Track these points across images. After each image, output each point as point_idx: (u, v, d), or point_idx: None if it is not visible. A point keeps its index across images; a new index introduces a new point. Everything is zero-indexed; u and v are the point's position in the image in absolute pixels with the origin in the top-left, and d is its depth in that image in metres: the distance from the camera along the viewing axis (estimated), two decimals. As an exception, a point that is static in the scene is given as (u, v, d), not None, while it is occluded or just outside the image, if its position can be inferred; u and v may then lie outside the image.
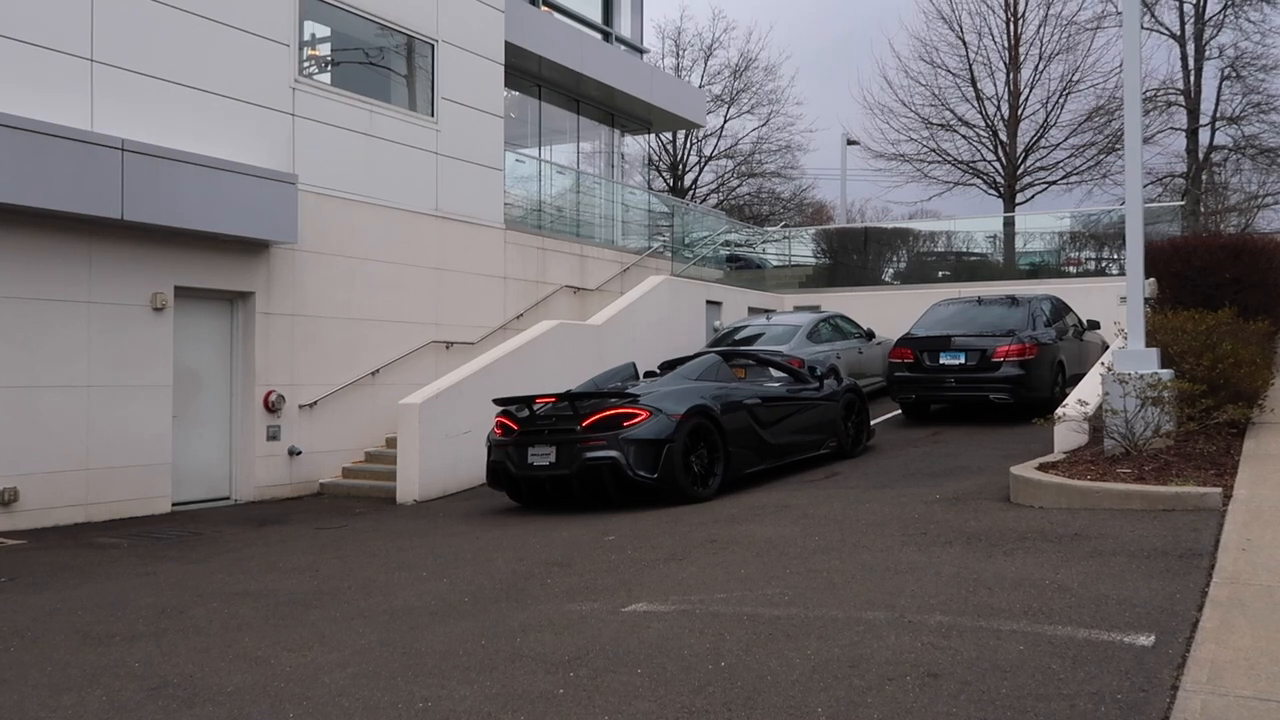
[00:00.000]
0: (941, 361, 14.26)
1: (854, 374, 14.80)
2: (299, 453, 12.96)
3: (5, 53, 10.19)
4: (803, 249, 26.86)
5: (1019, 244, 24.43)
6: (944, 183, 33.19)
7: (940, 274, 24.33)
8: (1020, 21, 31.16)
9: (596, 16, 22.18)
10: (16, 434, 10.23)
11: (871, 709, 3.93)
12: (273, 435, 12.74)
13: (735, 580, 6.31)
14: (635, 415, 9.78)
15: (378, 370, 14.05)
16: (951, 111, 32.15)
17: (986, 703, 3.91)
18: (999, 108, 31.76)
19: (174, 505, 11.65)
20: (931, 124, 32.42)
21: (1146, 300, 10.46)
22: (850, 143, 34.30)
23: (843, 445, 12.29)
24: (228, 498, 12.50)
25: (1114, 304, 16.28)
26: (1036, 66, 31.09)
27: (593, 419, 9.85)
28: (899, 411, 15.37)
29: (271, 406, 12.69)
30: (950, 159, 32.69)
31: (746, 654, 4.72)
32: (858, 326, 17.67)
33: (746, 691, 4.22)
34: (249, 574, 7.80)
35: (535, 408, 10.26)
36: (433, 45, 15.37)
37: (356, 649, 5.33)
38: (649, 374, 11.83)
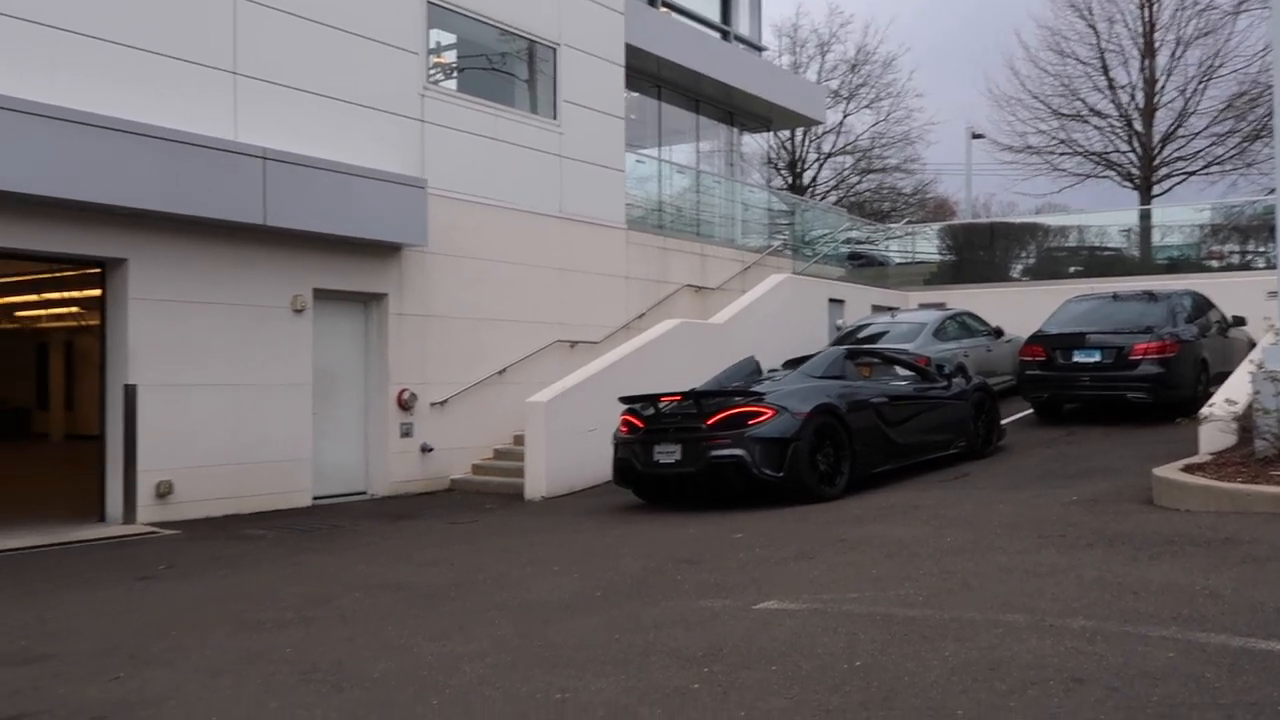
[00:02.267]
0: (1075, 359, 13.79)
1: (982, 372, 14.44)
2: (430, 449, 13.33)
3: (155, 68, 10.75)
4: (926, 245, 26.33)
5: (1156, 237, 23.45)
6: (1075, 175, 32.09)
7: (1072, 269, 23.52)
8: (1155, 6, 29.89)
9: (715, 16, 22.17)
10: (171, 430, 10.79)
11: (1014, 713, 3.85)
12: (405, 432, 13.13)
13: (866, 580, 6.25)
14: (760, 414, 9.76)
15: (505, 369, 14.34)
16: (1082, 101, 31.06)
17: (1135, 710, 3.79)
18: (1133, 96, 30.53)
19: (314, 499, 12.11)
20: (1061, 114, 31.38)
21: (1300, 294, 9.93)
22: (975, 136, 33.50)
23: (972, 445, 12.02)
24: (364, 492, 12.93)
25: (1261, 299, 15.46)
26: (1173, 52, 29.76)
27: (718, 417, 9.86)
28: (1030, 411, 14.94)
29: (404, 404, 13.08)
30: (1081, 150, 31.58)
31: (882, 654, 4.67)
32: (985, 324, 17.24)
33: (883, 692, 4.18)
34: (388, 566, 8.06)
35: (660, 406, 10.33)
36: (554, 49, 15.61)
37: (494, 640, 5.47)
38: (772, 372, 11.76)
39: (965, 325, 16.75)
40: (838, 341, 15.77)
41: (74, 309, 21.41)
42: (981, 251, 24.86)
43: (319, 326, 12.36)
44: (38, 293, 19.80)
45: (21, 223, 9.75)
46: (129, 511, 10.50)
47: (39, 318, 24.17)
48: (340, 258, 12.45)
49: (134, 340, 10.59)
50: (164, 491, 10.68)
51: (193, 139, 10.59)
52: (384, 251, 12.92)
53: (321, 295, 12.36)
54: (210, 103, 11.20)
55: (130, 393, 10.51)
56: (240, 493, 11.35)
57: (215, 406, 11.21)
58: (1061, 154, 31.83)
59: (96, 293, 11.23)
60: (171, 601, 6.95)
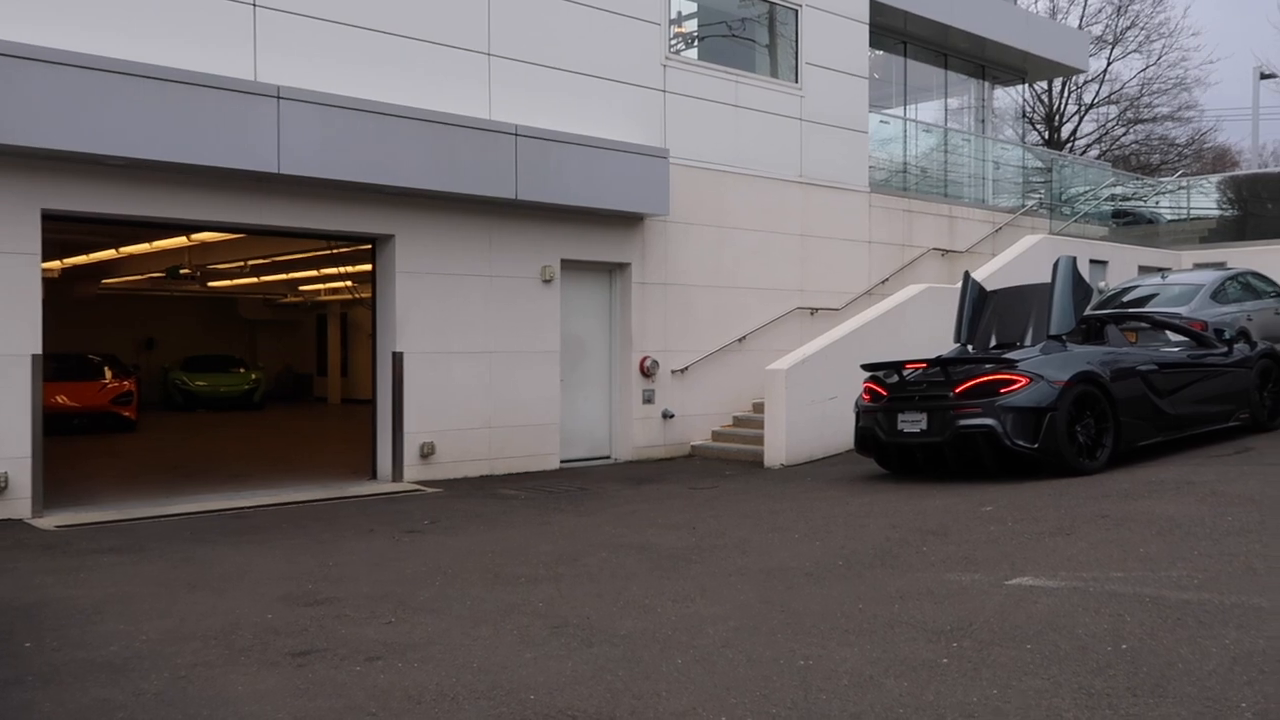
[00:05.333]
0: (1385, 322, 12.28)
1: (1270, 338, 13.13)
2: (671, 416, 13.57)
3: (416, 54, 11.41)
4: (1204, 200, 24.10)
5: None
6: (1386, 114, 28.46)
7: (1380, 221, 20.92)
8: None
9: (966, -36, 21.10)
10: (434, 395, 11.51)
11: (1309, 709, 3.50)
12: (647, 399, 13.42)
13: (1133, 559, 5.85)
14: (1013, 382, 9.29)
15: (744, 337, 14.37)
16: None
17: None
18: None
19: (562, 462, 12.61)
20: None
21: None
22: (1264, 76, 30.34)
23: (1256, 417, 10.99)
24: (608, 457, 13.33)
25: None
26: None
27: (966, 385, 9.48)
28: (1327, 380, 13.44)
29: (646, 371, 13.37)
30: (1395, 86, 27.96)
31: (1151, 638, 4.37)
32: (1274, 284, 15.63)
33: (1154, 678, 3.90)
34: (632, 528, 8.29)
35: (905, 373, 10.04)
36: (796, 10, 15.35)
37: (736, 604, 5.52)
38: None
39: (1249, 286, 15.25)
40: (1100, 305, 14.75)
41: (348, 283, 23.20)
42: (1270, 205, 22.50)
43: (566, 296, 12.80)
44: (317, 268, 21.58)
45: (306, 204, 10.66)
46: (397, 470, 11.32)
47: (318, 291, 26.38)
48: (585, 229, 12.83)
49: (401, 311, 11.35)
50: (427, 452, 11.42)
51: (451, 119, 11.17)
52: (627, 221, 13.20)
53: (568, 265, 12.78)
54: (466, 83, 11.77)
55: (398, 360, 11.30)
56: (494, 455, 11.98)
57: (472, 373, 11.85)
58: (1369, 92, 28.30)
59: (368, 267, 12.11)
60: (435, 554, 7.44)
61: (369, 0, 11.07)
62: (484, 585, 6.31)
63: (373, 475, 11.57)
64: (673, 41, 14.19)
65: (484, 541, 7.89)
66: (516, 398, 12.20)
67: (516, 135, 11.65)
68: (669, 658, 4.61)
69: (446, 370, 11.66)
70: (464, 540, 7.98)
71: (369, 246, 11.74)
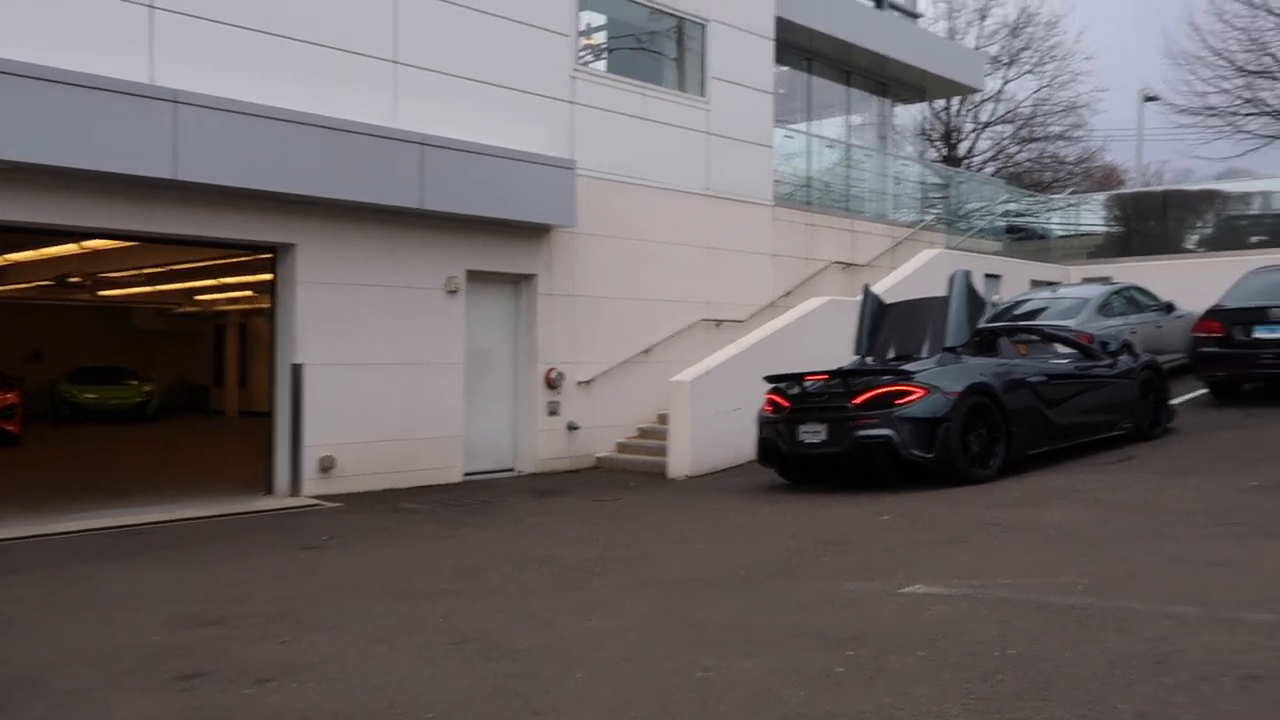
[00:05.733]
0: (1256, 335, 12.91)
1: (1152, 350, 13.68)
2: (577, 428, 13.54)
3: (323, 61, 11.20)
4: (1091, 216, 25.06)
5: (1353, 203, 21.70)
6: (1260, 137, 29.99)
7: (1254, 239, 21.99)
8: (1357, -50, 27.53)
9: (867, -16, 21.62)
10: (334, 408, 11.28)
11: (1183, 709, 3.64)
12: (553, 411, 13.37)
13: (1021, 566, 6.03)
14: (909, 393, 9.51)
15: (650, 348, 14.42)
16: (1272, 57, 28.94)
17: (1320, 712, 3.53)
18: (1329, 49, 28.27)
19: (465, 475, 12.46)
20: (1247, 71, 29.33)
21: None
22: (1148, 99, 31.69)
23: (1139, 426, 11.43)
24: (512, 469, 13.22)
25: None
26: (1377, 0, 27.40)
27: (865, 396, 9.67)
28: (1204, 391, 14.09)
29: (551, 383, 13.32)
30: (1269, 109, 29.47)
31: (1037, 643, 4.50)
32: (1155, 299, 16.32)
33: (1039, 682, 4.02)
34: (535, 541, 8.24)
35: (806, 385, 10.20)
36: (703, 25, 15.52)
37: (638, 616, 5.52)
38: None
39: (1133, 300, 15.90)
40: (994, 319, 15.20)
41: (247, 292, 22.63)
42: (1152, 222, 23.51)
43: (471, 307, 12.68)
44: (215, 277, 21.01)
45: (204, 211, 10.35)
46: (295, 485, 11.06)
47: (216, 301, 25.68)
48: (492, 239, 12.74)
49: (301, 321, 11.11)
50: (327, 466, 11.19)
51: (355, 126, 10.99)
52: (534, 233, 13.15)
53: (474, 276, 12.67)
54: (371, 91, 11.60)
55: (297, 372, 11.05)
56: (396, 468, 11.79)
57: (374, 385, 11.66)
58: (1246, 114, 29.81)
59: (268, 277, 11.83)
60: (333, 570, 7.28)
61: (272, 5, 10.84)
62: (383, 601, 6.21)
63: (270, 490, 11.29)
64: (581, 53, 14.22)
65: (384, 556, 7.76)
66: (420, 410, 12.04)
67: (422, 144, 11.52)
68: (569, 672, 4.58)
69: (348, 382, 11.45)
70: (363, 556, 7.84)
71: (269, 255, 11.47)
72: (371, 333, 11.65)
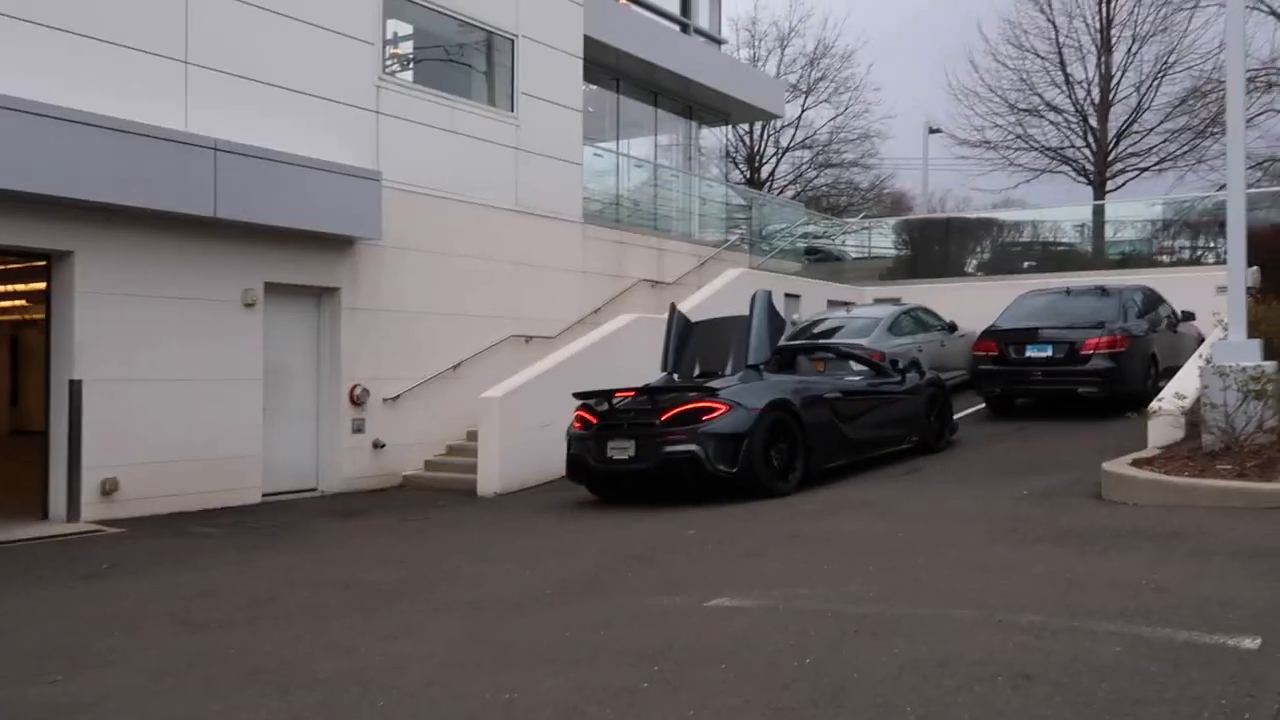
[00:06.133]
0: (1028, 354, 13.96)
1: (936, 367, 14.56)
2: (383, 445, 13.21)
3: (105, 57, 10.53)
4: (883, 240, 26.50)
5: (1109, 233, 23.82)
6: (1031, 170, 32.45)
7: (1026, 264, 23.82)
8: (1112, 3, 30.26)
9: (674, 8, 22.14)
10: (119, 426, 10.58)
11: (962, 709, 3.87)
12: (358, 428, 13.00)
13: (819, 576, 6.27)
14: (714, 409, 9.76)
15: (459, 364, 14.23)
16: (1039, 96, 31.40)
17: (1082, 705, 3.82)
18: (1089, 92, 30.93)
19: (264, 496, 11.94)
20: (1018, 109, 31.71)
21: (1248, 290, 10.11)
22: (932, 130, 33.74)
23: (926, 440, 12.12)
24: (315, 489, 12.77)
25: (1210, 294, 15.74)
26: (1130, 49, 30.16)
27: (672, 413, 9.85)
28: (983, 405, 15.09)
29: (356, 400, 12.95)
30: (1037, 146, 31.94)
31: (832, 651, 4.69)
32: (940, 319, 17.39)
33: (833, 689, 4.19)
34: (337, 564, 7.98)
35: (615, 401, 10.30)
36: (513, 40, 15.50)
37: (443, 639, 5.42)
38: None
39: (919, 320, 16.88)
40: (793, 336, 15.82)
41: (20, 302, 20.95)
42: (937, 246, 25.08)
43: (270, 321, 12.18)
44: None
45: (-40, 213, 9.53)
46: (73, 509, 10.30)
47: (-18, 311, 23.63)
48: (292, 251, 12.28)
49: (80, 334, 10.38)
50: (109, 489, 10.48)
51: (141, 129, 10.38)
52: (337, 244, 12.76)
53: (273, 289, 12.18)
54: (160, 92, 10.98)
55: (75, 388, 10.31)
56: (188, 489, 11.17)
57: (163, 402, 11.01)
58: (1018, 149, 32.18)
59: (42, 286, 10.99)
60: (114, 601, 6.82)
61: (45, -5, 10.13)
62: (170, 632, 5.85)
63: (44, 516, 10.46)
64: (388, 63, 13.93)
65: (172, 584, 7.33)
66: (215, 428, 11.45)
67: (216, 150, 11.00)
68: (370, 700, 4.45)
69: (135, 399, 10.77)
70: (149, 584, 7.37)
71: (43, 263, 10.66)
72: (161, 347, 11.01)
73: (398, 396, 13.42)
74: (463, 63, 15.35)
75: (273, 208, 11.60)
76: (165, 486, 10.97)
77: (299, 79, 12.38)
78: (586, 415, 10.42)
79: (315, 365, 12.93)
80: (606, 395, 10.37)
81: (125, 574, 7.80)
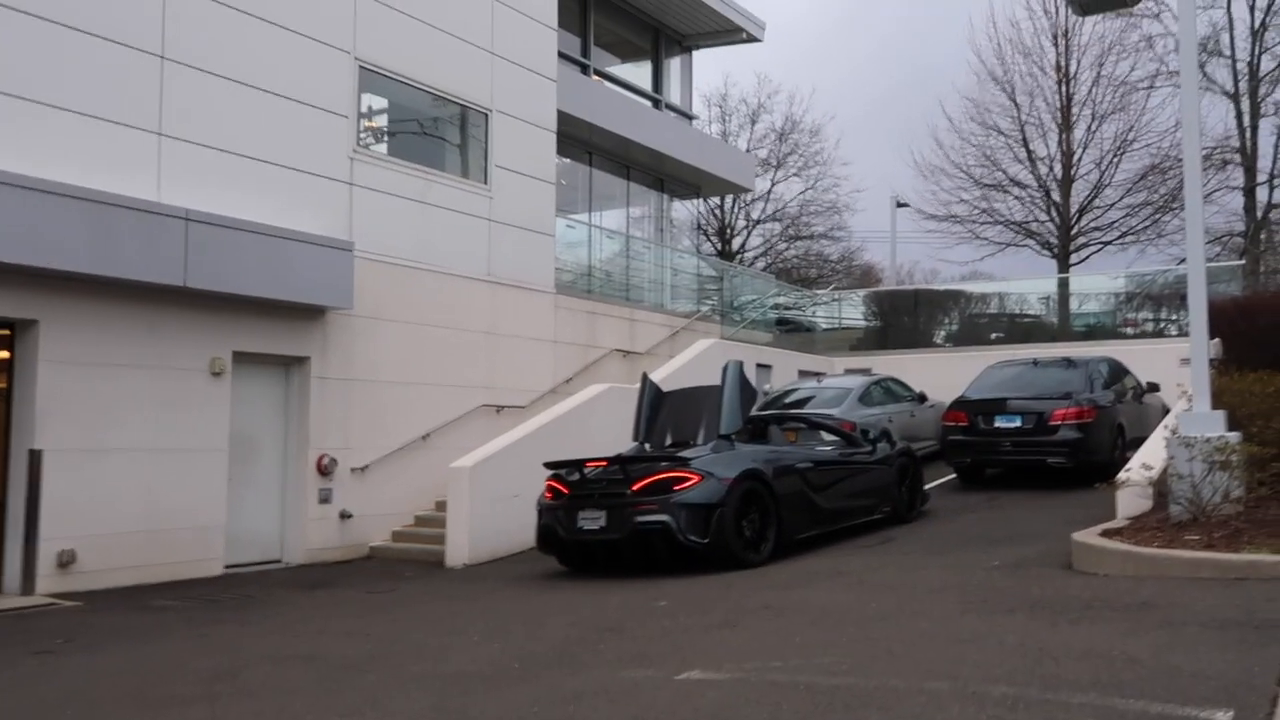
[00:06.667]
0: (997, 425, 14.05)
1: (906, 437, 14.62)
2: (350, 516, 13.03)
3: (77, 127, 10.56)
4: (853, 311, 26.80)
5: (1074, 305, 24.17)
6: (996, 244, 32.91)
7: (993, 336, 24.11)
8: (1072, 83, 31.07)
9: (646, 85, 22.54)
10: (79, 497, 10.39)
11: (936, 784, 3.81)
12: (324, 498, 12.83)
13: (791, 648, 6.20)
14: (686, 479, 9.72)
15: (429, 434, 14.14)
16: (1004, 172, 32.00)
17: (1057, 779, 3.77)
18: (1051, 168, 31.57)
19: (227, 567, 11.72)
20: (983, 184, 32.28)
21: (1211, 361, 10.26)
22: (900, 205, 34.31)
23: (897, 510, 12.11)
24: (279, 560, 12.56)
25: (1174, 365, 15.98)
26: (1089, 126, 30.88)
27: (643, 483, 9.80)
28: (953, 476, 15.13)
29: (324, 470, 12.80)
30: (1003, 220, 32.45)
31: (805, 725, 4.62)
32: (910, 389, 17.51)
33: (806, 764, 4.12)
34: (301, 637, 7.82)
35: (586, 471, 10.24)
36: (487, 115, 15.69)
37: (409, 714, 5.30)
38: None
39: (890, 390, 17.00)
40: (765, 406, 15.86)
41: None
42: (906, 317, 25.36)
43: (238, 390, 12.07)
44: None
45: (-76, 281, 9.45)
46: (27, 582, 10.05)
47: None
48: (262, 320, 12.23)
49: (42, 404, 10.24)
50: (66, 561, 10.25)
51: (110, 199, 10.37)
52: (308, 314, 12.73)
53: (241, 358, 12.10)
54: (132, 163, 11.00)
55: (35, 458, 10.13)
56: (149, 561, 10.94)
57: (125, 472, 10.84)
58: (983, 223, 32.66)
59: (5, 355, 10.86)
60: (70, 677, 6.63)
61: (21, 66, 10.16)
62: (127, 710, 5.70)
63: (-2, 589, 10.21)
64: (362, 135, 14.05)
65: (130, 660, 7.14)
66: (177, 499, 11.26)
67: (188, 220, 11.00)
68: (332, 779, 4.32)
69: (96, 469, 10.59)
70: (106, 660, 7.18)
71: (6, 332, 10.54)
72: (125, 417, 10.87)
73: (366, 466, 13.28)
74: (437, 136, 15.51)
75: (243, 277, 11.57)
76: (125, 558, 10.74)
77: (273, 151, 12.45)
78: (557, 485, 10.35)
79: (283, 435, 12.80)
80: (578, 465, 10.31)
81: (81, 649, 7.60)
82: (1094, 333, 22.33)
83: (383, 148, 14.63)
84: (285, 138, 12.62)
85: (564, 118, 17.47)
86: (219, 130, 11.88)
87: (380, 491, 13.44)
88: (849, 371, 20.17)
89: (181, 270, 10.94)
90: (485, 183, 15.63)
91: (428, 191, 14.54)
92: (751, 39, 23.68)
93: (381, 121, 14.94)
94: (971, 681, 5.08)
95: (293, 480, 12.75)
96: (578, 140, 19.33)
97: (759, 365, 19.03)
